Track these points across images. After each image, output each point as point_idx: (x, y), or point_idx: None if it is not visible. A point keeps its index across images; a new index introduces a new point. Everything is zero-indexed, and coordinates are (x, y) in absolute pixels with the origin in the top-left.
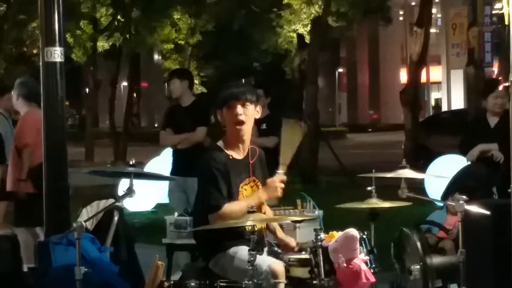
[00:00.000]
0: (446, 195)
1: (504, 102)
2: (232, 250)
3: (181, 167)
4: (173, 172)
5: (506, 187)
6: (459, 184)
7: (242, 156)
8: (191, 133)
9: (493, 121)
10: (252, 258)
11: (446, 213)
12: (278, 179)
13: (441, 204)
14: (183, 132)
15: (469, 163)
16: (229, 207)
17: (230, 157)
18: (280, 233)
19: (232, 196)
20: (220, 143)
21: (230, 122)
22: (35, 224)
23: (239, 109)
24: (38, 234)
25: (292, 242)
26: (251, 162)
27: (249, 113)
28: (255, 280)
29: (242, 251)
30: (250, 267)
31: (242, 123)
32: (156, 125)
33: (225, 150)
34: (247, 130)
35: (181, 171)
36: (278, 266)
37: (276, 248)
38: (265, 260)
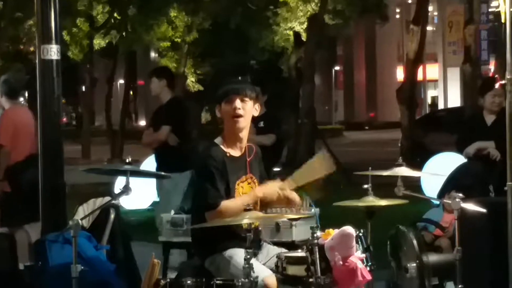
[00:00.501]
0: (443, 193)
1: (502, 100)
2: (228, 253)
3: (163, 165)
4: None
5: (503, 185)
6: (455, 182)
7: (239, 154)
8: (156, 132)
9: (490, 119)
10: (248, 256)
11: (442, 211)
12: (279, 185)
13: (438, 202)
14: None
15: (466, 161)
16: (226, 204)
17: (228, 154)
18: (279, 196)
19: (228, 193)
20: (217, 140)
21: (228, 116)
22: (19, 223)
23: (238, 103)
24: (27, 232)
25: (296, 197)
26: (248, 159)
27: (247, 108)
28: (251, 278)
29: (238, 256)
30: (247, 265)
31: (239, 116)
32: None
33: (223, 147)
34: (245, 125)
35: (160, 169)
36: (272, 279)
37: (272, 246)
38: (259, 272)
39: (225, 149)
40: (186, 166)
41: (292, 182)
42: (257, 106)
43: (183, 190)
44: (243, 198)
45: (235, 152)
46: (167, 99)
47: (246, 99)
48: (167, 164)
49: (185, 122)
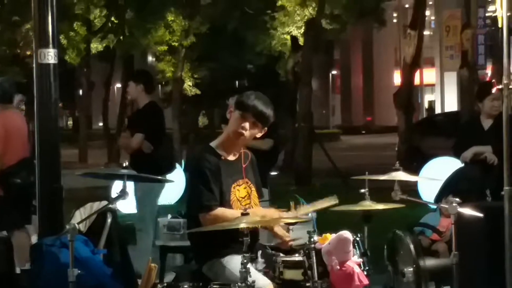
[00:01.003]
0: (440, 197)
1: (500, 105)
2: (226, 259)
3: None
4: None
5: (500, 190)
6: (452, 187)
7: (234, 158)
8: (130, 139)
9: (487, 123)
10: (245, 261)
11: (439, 215)
12: (279, 216)
13: (435, 207)
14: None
15: (463, 165)
16: (222, 211)
17: (222, 157)
18: (276, 228)
19: (223, 196)
20: (213, 144)
21: (234, 127)
22: (10, 227)
23: (248, 125)
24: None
25: (287, 236)
26: (243, 165)
27: (253, 132)
28: (248, 283)
29: (234, 262)
30: (243, 270)
31: (242, 135)
32: None
33: (218, 151)
34: (243, 142)
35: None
36: (269, 287)
37: (270, 251)
38: (256, 280)
39: (220, 152)
40: (160, 172)
41: (304, 210)
42: (264, 130)
43: (157, 198)
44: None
45: (230, 156)
46: (144, 104)
47: (259, 123)
48: (140, 171)
49: (160, 127)
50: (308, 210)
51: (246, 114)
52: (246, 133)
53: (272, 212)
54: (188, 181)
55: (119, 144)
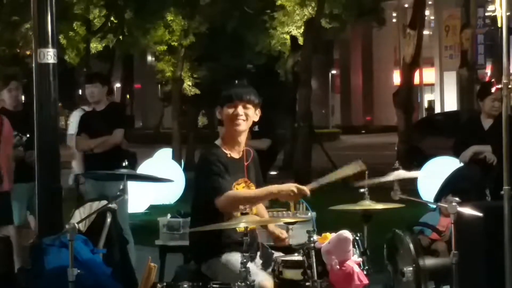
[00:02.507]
0: (440, 197)
1: (500, 105)
2: (224, 257)
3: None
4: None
5: (499, 189)
6: (452, 186)
7: (238, 156)
8: (108, 136)
9: (487, 123)
10: (245, 260)
11: (439, 214)
12: (297, 186)
13: (434, 206)
14: (99, 136)
15: (462, 164)
16: (235, 191)
17: (228, 155)
18: (270, 226)
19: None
20: (218, 142)
21: (229, 121)
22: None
23: (240, 109)
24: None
25: (283, 233)
26: (246, 163)
27: (249, 114)
28: (248, 282)
29: (233, 260)
30: (243, 269)
31: (241, 122)
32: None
33: (223, 149)
34: (244, 129)
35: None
36: (268, 282)
37: (269, 250)
38: (255, 276)
39: (226, 151)
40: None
41: (314, 184)
42: (257, 111)
43: (26, 201)
44: (256, 191)
45: (234, 154)
46: (106, 105)
47: (249, 105)
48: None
49: (127, 126)
50: (331, 178)
51: (231, 103)
52: (243, 117)
53: (287, 185)
54: (197, 175)
55: (78, 147)
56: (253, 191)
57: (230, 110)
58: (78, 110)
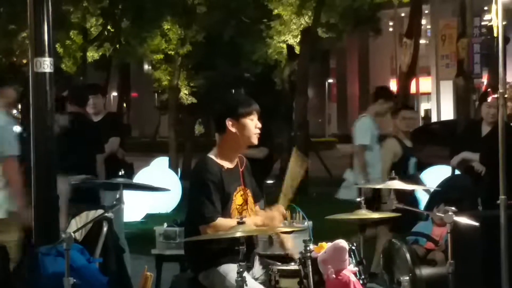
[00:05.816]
0: (430, 206)
1: (496, 112)
2: (223, 268)
3: None
4: None
5: (490, 199)
6: (443, 195)
7: (232, 166)
8: (105, 144)
9: (486, 130)
10: (241, 269)
11: (431, 224)
12: (278, 210)
13: (428, 215)
14: None
15: (452, 174)
16: (222, 221)
17: (224, 168)
18: (287, 244)
19: (226, 206)
20: (212, 154)
21: (247, 132)
22: None
23: (256, 121)
24: None
25: (295, 255)
26: (241, 170)
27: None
28: None
29: (231, 271)
30: (239, 279)
31: (258, 134)
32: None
33: (218, 161)
34: (248, 143)
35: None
36: None
37: (266, 260)
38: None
39: (220, 163)
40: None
41: (284, 198)
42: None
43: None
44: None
45: (228, 164)
46: (104, 115)
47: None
48: None
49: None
50: (287, 183)
51: (250, 114)
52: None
53: (271, 216)
54: (189, 191)
55: None
56: (234, 222)
57: (250, 122)
58: None
